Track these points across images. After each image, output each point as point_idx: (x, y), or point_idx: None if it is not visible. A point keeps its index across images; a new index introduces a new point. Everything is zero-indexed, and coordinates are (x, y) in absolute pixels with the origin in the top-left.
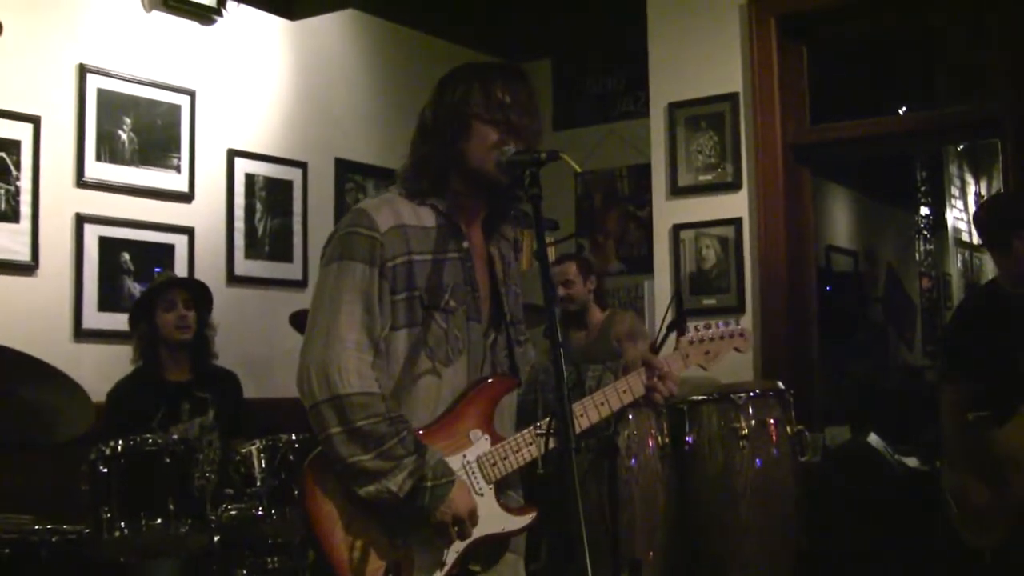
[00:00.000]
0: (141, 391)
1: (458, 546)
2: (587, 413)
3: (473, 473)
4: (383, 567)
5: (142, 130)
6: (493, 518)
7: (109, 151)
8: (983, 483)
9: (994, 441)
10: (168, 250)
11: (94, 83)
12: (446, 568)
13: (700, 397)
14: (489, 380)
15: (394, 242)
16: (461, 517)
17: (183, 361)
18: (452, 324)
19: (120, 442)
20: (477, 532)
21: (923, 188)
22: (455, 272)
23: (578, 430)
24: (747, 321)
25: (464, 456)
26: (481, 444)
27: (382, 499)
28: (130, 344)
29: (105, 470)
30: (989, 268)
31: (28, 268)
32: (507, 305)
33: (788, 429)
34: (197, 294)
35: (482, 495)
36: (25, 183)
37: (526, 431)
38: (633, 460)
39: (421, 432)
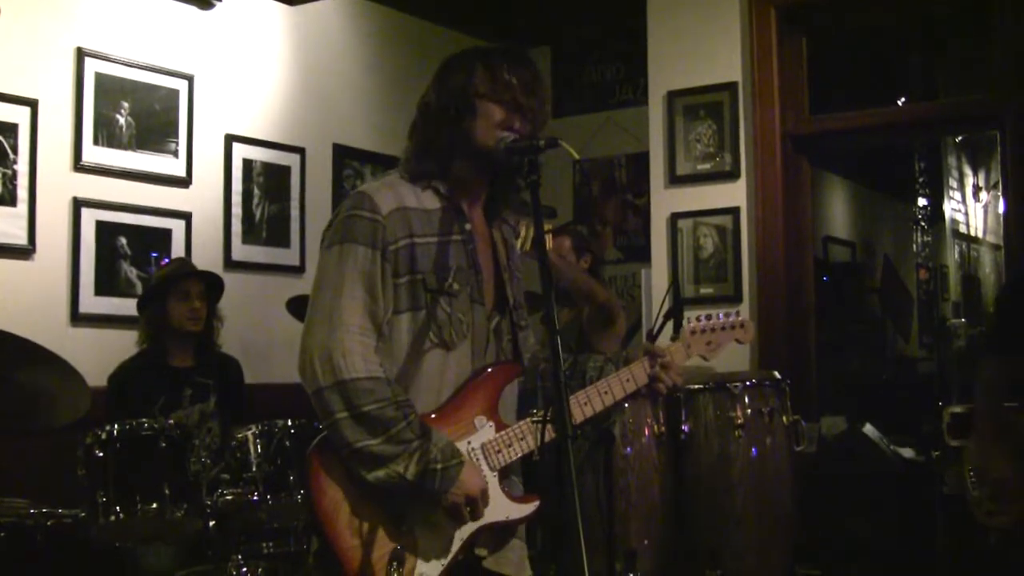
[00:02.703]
0: (143, 375)
1: (463, 532)
2: (591, 402)
3: (478, 460)
4: (388, 553)
5: (140, 114)
6: (497, 506)
7: (107, 135)
8: (1009, 461)
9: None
10: (165, 235)
11: (92, 67)
12: (451, 555)
13: (697, 386)
14: (494, 367)
15: (396, 225)
16: (473, 497)
17: (187, 348)
18: (456, 307)
19: (116, 426)
20: (480, 521)
21: (921, 179)
22: (458, 254)
23: (581, 419)
24: (744, 311)
25: (469, 443)
26: (486, 431)
27: (391, 484)
28: (126, 329)
29: (101, 454)
30: (986, 260)
31: (25, 252)
32: (510, 289)
33: (784, 419)
34: (211, 285)
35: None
36: (22, 167)
37: (530, 419)
38: (629, 449)
39: (428, 417)
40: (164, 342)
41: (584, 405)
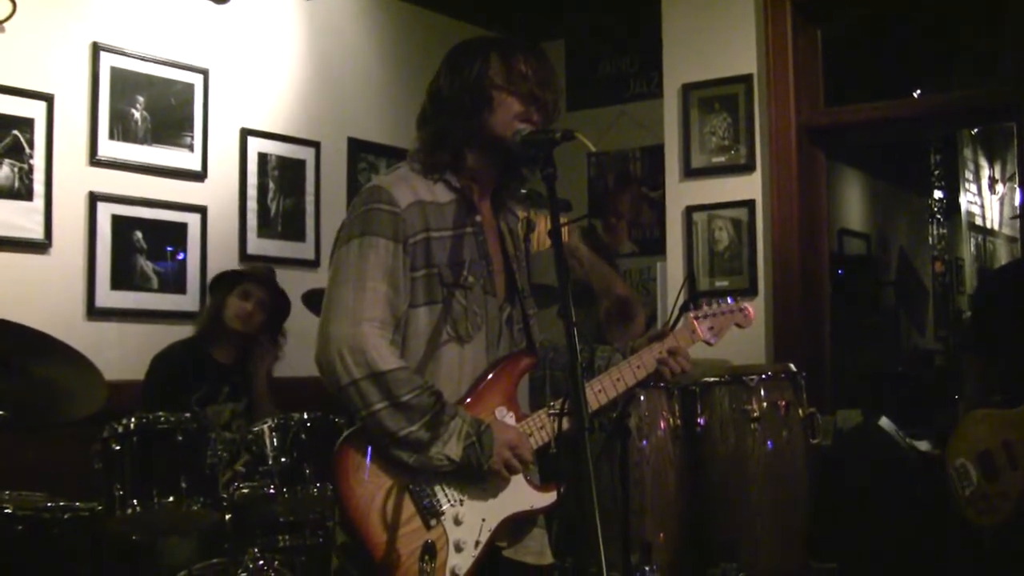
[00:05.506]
0: (187, 363)
1: (491, 523)
2: (605, 390)
3: None
4: (420, 547)
5: (155, 109)
6: (521, 496)
7: (122, 129)
8: (992, 462)
9: (1004, 423)
10: (181, 229)
11: (107, 61)
12: (481, 547)
13: (712, 379)
14: (510, 357)
15: (414, 218)
16: (515, 443)
17: (234, 346)
18: (470, 300)
19: (132, 420)
20: (506, 511)
21: (937, 172)
22: (470, 247)
23: (597, 406)
24: (759, 303)
25: None
26: (507, 422)
27: (437, 465)
28: (143, 322)
29: (118, 448)
30: (1002, 252)
31: (41, 246)
32: (520, 279)
33: (800, 412)
34: (275, 302)
35: None
36: (38, 161)
37: (547, 411)
38: (644, 442)
39: None
40: (215, 332)
41: (599, 393)
